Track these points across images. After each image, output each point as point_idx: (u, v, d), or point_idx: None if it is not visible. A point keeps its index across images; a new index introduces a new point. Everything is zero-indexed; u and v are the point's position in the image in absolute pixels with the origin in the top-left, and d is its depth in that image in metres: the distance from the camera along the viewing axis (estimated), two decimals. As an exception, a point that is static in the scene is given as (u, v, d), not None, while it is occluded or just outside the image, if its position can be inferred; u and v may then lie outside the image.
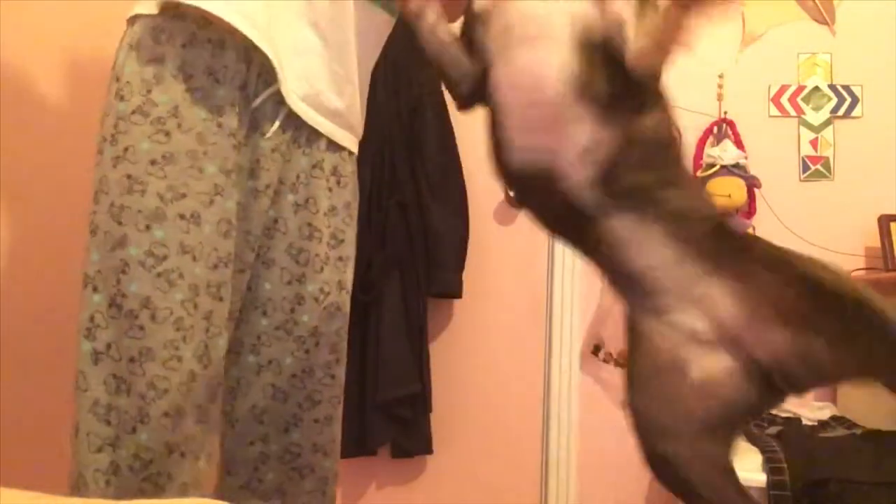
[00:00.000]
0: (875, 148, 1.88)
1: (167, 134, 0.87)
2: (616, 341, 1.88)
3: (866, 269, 1.82)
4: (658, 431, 0.66)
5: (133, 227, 0.85)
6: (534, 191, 0.71)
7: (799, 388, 0.68)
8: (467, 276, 1.83)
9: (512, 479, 1.87)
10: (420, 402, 1.77)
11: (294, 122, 0.98)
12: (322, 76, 0.98)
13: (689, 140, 1.89)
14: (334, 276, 1.03)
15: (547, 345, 1.90)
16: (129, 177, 0.86)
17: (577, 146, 0.65)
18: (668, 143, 0.69)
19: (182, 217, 0.86)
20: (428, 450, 1.81)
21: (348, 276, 1.07)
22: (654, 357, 0.66)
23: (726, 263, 0.66)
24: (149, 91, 0.87)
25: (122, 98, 0.88)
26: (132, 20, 0.93)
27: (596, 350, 1.89)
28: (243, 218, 0.94)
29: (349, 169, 1.07)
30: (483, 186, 1.89)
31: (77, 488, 0.87)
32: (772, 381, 0.65)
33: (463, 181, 1.84)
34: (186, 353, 0.86)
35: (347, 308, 1.07)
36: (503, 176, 0.74)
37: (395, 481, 1.91)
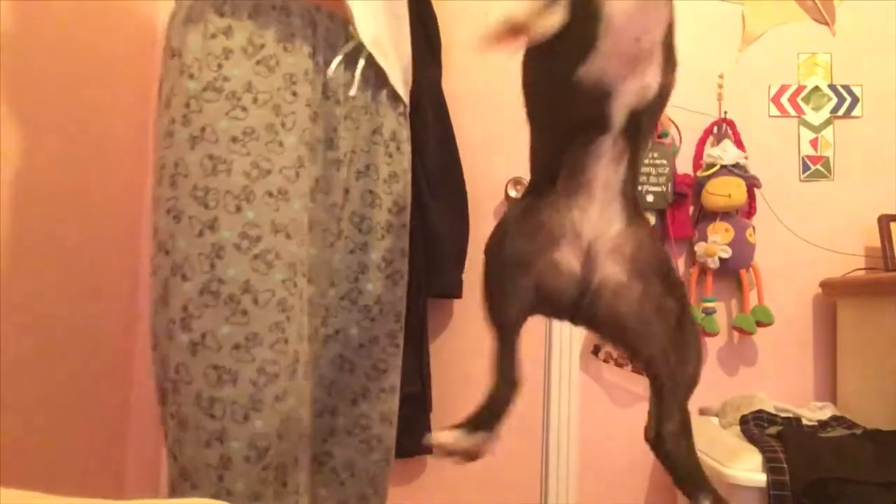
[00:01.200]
0: (875, 148, 1.88)
1: (244, 109, 0.83)
2: (616, 341, 1.88)
3: (866, 269, 1.82)
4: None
5: (223, 209, 0.81)
6: (579, 103, 0.78)
7: (595, 328, 0.81)
8: (467, 276, 1.83)
9: (512, 478, 1.87)
10: (420, 402, 1.77)
11: (361, 85, 0.96)
12: (383, 22, 0.96)
13: (689, 140, 1.89)
14: (397, 243, 1.02)
15: (547, 345, 1.90)
16: (210, 157, 0.82)
17: (643, 80, 0.75)
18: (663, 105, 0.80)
19: (270, 194, 0.83)
20: (428, 450, 1.81)
21: (407, 243, 1.06)
22: (535, 225, 0.78)
23: (633, 229, 0.79)
24: (219, 66, 0.83)
25: (191, 76, 0.83)
26: (187, 2, 0.88)
27: (596, 350, 1.89)
28: (327, 190, 0.92)
29: (405, 134, 1.05)
30: (483, 186, 1.89)
31: (178, 487, 0.81)
32: (582, 309, 0.78)
33: (463, 181, 1.84)
34: (291, 334, 0.84)
35: (407, 275, 1.06)
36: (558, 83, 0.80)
37: (395, 481, 1.91)
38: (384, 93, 1.01)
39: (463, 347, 1.90)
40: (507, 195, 1.88)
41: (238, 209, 0.81)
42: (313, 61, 0.90)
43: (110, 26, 1.64)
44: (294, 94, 0.86)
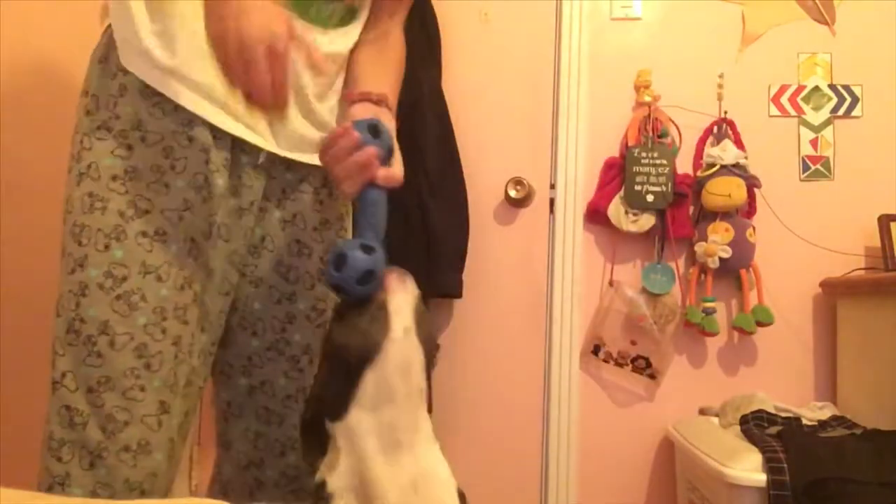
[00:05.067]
0: (875, 148, 1.88)
1: (129, 147, 0.82)
2: (616, 341, 1.88)
3: (866, 269, 1.82)
4: None
5: (92, 247, 0.79)
6: None
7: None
8: (467, 276, 1.83)
9: (512, 478, 1.87)
10: (420, 402, 1.77)
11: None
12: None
13: (689, 140, 1.89)
14: (328, 291, 0.98)
15: (547, 345, 1.90)
16: (90, 194, 0.81)
17: None
18: None
19: (144, 234, 0.81)
20: (428, 450, 1.81)
21: None
22: None
23: None
24: (115, 104, 0.83)
25: (87, 113, 0.84)
26: (104, 32, 0.88)
27: (596, 350, 1.89)
28: (227, 238, 0.89)
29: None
30: (483, 186, 1.89)
31: None
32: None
33: (463, 181, 1.84)
34: (153, 381, 0.80)
35: None
36: None
37: (395, 481, 1.91)
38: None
39: (463, 347, 1.90)
40: (507, 195, 1.88)
41: (107, 247, 0.80)
42: None
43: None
44: (190, 138, 0.84)
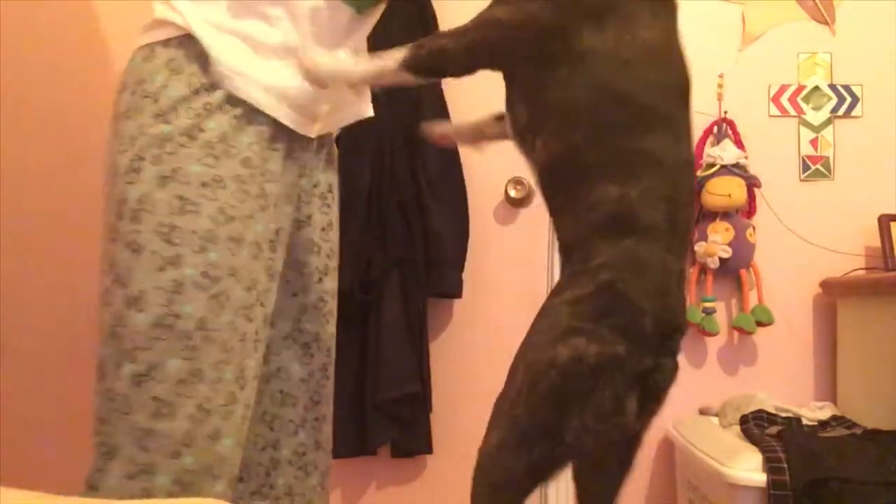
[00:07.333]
0: (875, 148, 1.88)
1: (216, 158, 0.88)
2: (616, 341, 1.88)
3: (866, 268, 1.82)
4: None
5: (187, 248, 0.85)
6: None
7: None
8: (467, 276, 1.83)
9: (512, 479, 1.87)
10: (420, 402, 1.77)
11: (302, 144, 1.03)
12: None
13: (689, 140, 1.89)
14: (331, 285, 1.11)
15: (547, 345, 1.90)
16: (180, 198, 0.86)
17: None
18: None
19: (232, 239, 0.88)
20: (428, 450, 1.81)
21: (337, 284, 1.15)
22: None
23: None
24: (198, 116, 0.88)
25: (166, 122, 0.88)
26: (168, 42, 0.91)
27: (596, 350, 1.89)
28: (284, 242, 0.99)
29: (336, 186, 1.15)
30: (483, 186, 1.89)
31: None
32: None
33: (463, 181, 1.84)
34: (228, 374, 0.87)
35: (336, 314, 1.14)
36: None
37: (395, 481, 1.91)
38: (325, 151, 1.10)
39: (463, 347, 1.90)
40: (507, 195, 1.88)
41: (203, 249, 0.86)
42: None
43: (112, 29, 1.64)
44: (271, 148, 0.93)
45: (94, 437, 0.86)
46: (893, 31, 1.89)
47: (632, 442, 0.85)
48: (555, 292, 0.82)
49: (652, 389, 0.76)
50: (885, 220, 1.73)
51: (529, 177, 1.94)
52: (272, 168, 0.94)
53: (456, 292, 1.82)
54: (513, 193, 1.87)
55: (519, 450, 0.78)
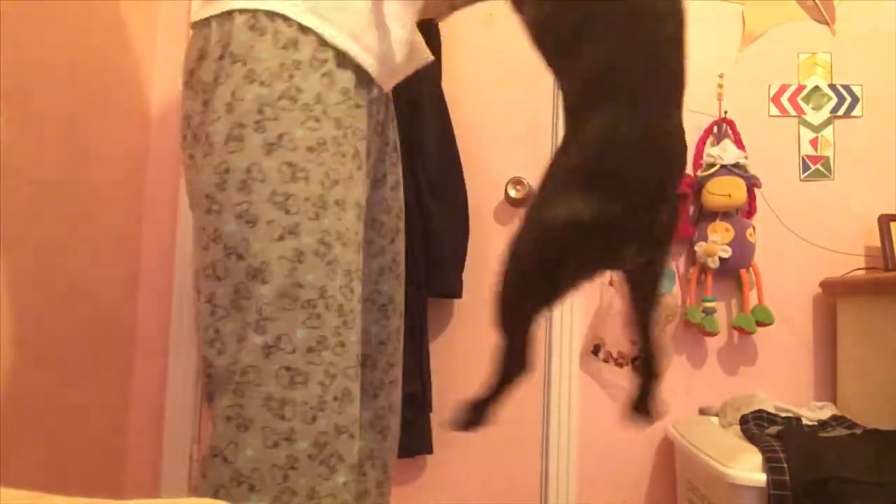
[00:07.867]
0: (875, 148, 1.88)
1: (317, 120, 0.87)
2: (616, 341, 1.88)
3: (866, 268, 1.82)
4: None
5: (304, 216, 0.85)
6: None
7: None
8: (467, 276, 1.83)
9: (512, 478, 1.87)
10: (420, 402, 1.77)
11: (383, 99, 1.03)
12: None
13: (689, 140, 1.88)
14: (401, 246, 1.11)
15: (547, 345, 1.90)
16: (290, 164, 0.85)
17: None
18: None
19: (337, 203, 0.88)
20: (428, 450, 1.81)
21: (404, 245, 1.15)
22: None
23: None
24: (291, 77, 0.86)
25: (262, 83, 0.85)
26: (243, 9, 0.89)
27: (596, 350, 1.89)
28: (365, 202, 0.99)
29: (398, 144, 1.14)
30: (483, 186, 1.89)
31: (229, 490, 0.83)
32: None
33: (463, 181, 1.84)
34: (351, 336, 0.88)
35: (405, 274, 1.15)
36: None
37: (395, 481, 1.90)
38: (391, 108, 1.09)
39: (463, 347, 1.90)
40: (507, 195, 1.88)
41: (317, 216, 0.85)
42: (359, 77, 0.95)
43: (112, 29, 1.64)
44: (356, 105, 0.92)
45: (216, 411, 0.86)
46: (893, 31, 1.89)
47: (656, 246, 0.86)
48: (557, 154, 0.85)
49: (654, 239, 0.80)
50: (885, 220, 1.74)
51: (529, 177, 1.94)
52: (360, 126, 0.93)
53: (456, 292, 1.82)
54: (513, 193, 1.88)
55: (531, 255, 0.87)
